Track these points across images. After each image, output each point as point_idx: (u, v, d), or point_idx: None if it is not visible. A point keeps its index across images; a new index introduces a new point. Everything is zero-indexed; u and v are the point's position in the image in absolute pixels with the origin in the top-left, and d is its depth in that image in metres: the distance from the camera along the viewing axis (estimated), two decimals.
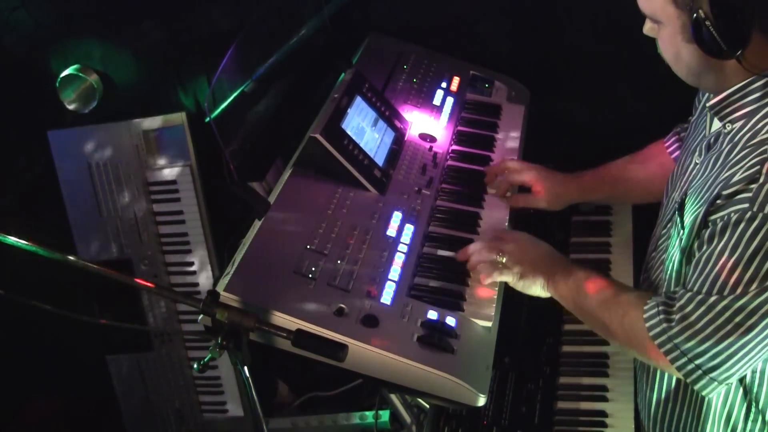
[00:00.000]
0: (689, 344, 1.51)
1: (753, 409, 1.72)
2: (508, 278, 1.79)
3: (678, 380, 1.78)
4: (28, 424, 2.78)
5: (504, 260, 1.78)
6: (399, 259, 1.82)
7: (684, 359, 1.53)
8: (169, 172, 2.35)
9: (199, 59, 2.29)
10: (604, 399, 1.95)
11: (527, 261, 1.79)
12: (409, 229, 1.91)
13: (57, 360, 2.70)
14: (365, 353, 1.58)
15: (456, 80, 2.48)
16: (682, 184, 1.75)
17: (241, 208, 1.86)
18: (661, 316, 1.54)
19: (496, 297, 1.79)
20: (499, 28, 2.62)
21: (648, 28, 1.61)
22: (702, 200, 1.56)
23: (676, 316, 1.52)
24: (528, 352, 2.04)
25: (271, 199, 1.87)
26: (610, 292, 1.70)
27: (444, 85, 2.44)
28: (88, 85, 2.19)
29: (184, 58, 2.29)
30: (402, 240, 1.87)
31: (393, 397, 2.24)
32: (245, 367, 1.51)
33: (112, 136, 2.31)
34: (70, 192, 2.37)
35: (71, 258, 1.53)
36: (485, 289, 1.80)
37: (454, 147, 2.24)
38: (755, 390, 1.70)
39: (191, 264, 2.43)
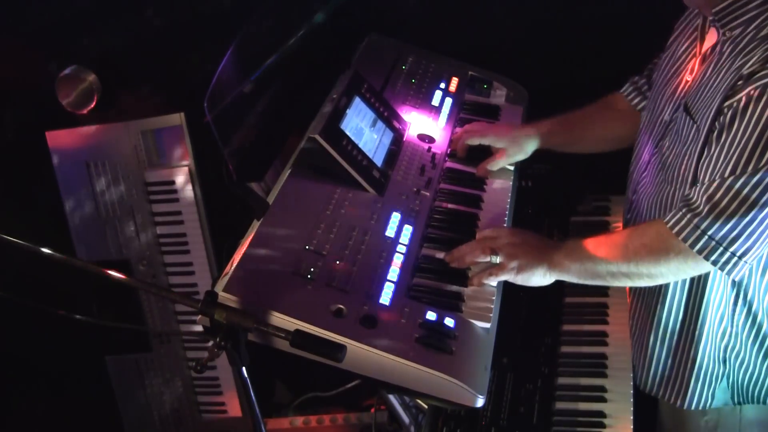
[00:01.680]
0: (723, 231, 1.57)
1: (740, 301, 1.81)
2: (507, 276, 1.79)
3: (683, 293, 1.86)
4: (27, 425, 2.78)
5: (498, 259, 1.78)
6: (397, 260, 1.82)
7: (720, 249, 1.59)
8: (168, 173, 2.35)
9: (198, 59, 2.29)
10: (603, 399, 1.95)
11: (521, 253, 1.79)
12: (407, 229, 1.91)
13: (56, 361, 2.70)
14: (364, 354, 1.58)
15: (454, 81, 2.48)
16: (674, 100, 1.83)
17: (239, 209, 1.86)
18: (689, 215, 1.61)
19: (494, 298, 1.79)
20: (498, 28, 2.62)
21: None
22: (712, 93, 1.63)
23: (705, 207, 1.58)
24: (526, 353, 2.04)
25: (270, 199, 1.87)
26: (614, 236, 1.81)
27: (442, 85, 2.44)
28: (86, 86, 2.19)
29: (183, 58, 2.29)
30: (401, 241, 1.87)
31: (391, 397, 2.24)
32: (244, 368, 1.51)
33: (111, 136, 2.31)
34: (69, 192, 2.38)
35: (70, 258, 1.53)
36: (484, 290, 1.80)
37: (453, 148, 2.24)
38: (744, 282, 1.78)
39: (190, 264, 2.43)
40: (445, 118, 2.32)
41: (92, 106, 2.21)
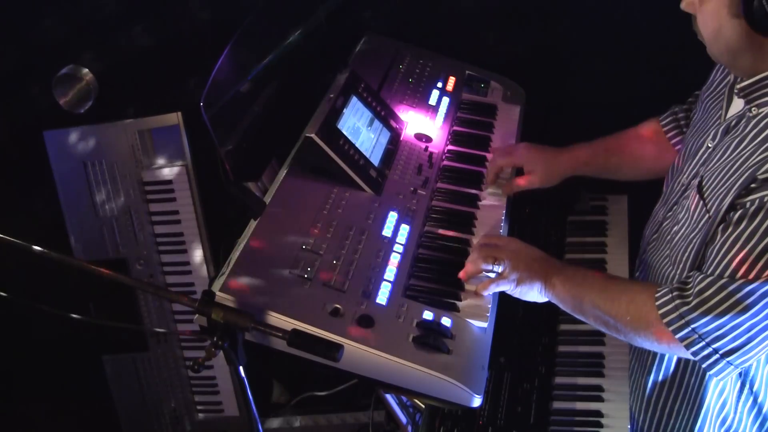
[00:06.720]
0: (708, 327, 1.49)
1: (746, 391, 1.74)
2: (506, 287, 1.77)
3: (676, 363, 1.80)
4: (24, 424, 2.78)
5: (500, 269, 1.76)
6: (394, 260, 1.82)
7: (702, 343, 1.51)
8: (165, 172, 2.35)
9: (194, 59, 2.29)
10: (600, 399, 1.95)
11: (523, 267, 1.76)
12: (404, 229, 1.91)
13: (53, 360, 2.70)
14: (360, 353, 1.58)
15: (452, 80, 2.48)
16: (692, 167, 1.74)
17: (236, 208, 1.86)
18: (677, 302, 1.53)
19: (491, 297, 1.79)
20: (495, 27, 2.62)
21: (687, 3, 1.57)
22: (728, 184, 1.55)
23: (695, 301, 1.50)
24: (523, 352, 2.04)
25: (267, 199, 1.87)
26: (611, 284, 1.70)
27: (440, 85, 2.44)
28: (84, 85, 2.19)
29: (180, 58, 2.29)
30: (398, 240, 1.87)
31: (388, 397, 2.24)
32: (241, 367, 1.51)
33: (108, 136, 2.31)
34: (66, 192, 2.38)
35: (67, 258, 1.53)
36: None
37: (450, 147, 2.24)
38: (751, 373, 1.72)
39: (187, 264, 2.43)
40: (442, 118, 2.32)
41: (89, 105, 2.21)
